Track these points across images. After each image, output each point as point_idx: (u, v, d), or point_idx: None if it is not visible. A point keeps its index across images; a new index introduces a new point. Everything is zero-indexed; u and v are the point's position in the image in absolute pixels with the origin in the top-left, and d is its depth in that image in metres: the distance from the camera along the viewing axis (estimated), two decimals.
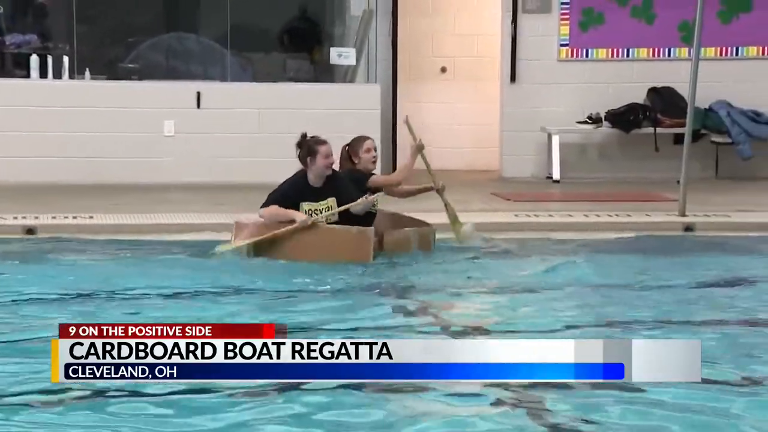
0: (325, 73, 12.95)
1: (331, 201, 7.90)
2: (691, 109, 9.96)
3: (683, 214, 9.71)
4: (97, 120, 12.06)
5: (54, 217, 9.43)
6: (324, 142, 7.91)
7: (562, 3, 12.86)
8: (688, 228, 9.45)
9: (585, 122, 12.81)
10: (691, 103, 9.95)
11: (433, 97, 13.72)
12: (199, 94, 12.20)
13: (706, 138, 12.74)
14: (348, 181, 7.99)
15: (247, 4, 12.81)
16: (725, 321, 6.14)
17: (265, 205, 7.92)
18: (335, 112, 12.18)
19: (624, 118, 12.74)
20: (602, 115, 12.78)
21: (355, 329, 5.83)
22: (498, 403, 4.63)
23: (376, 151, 8.25)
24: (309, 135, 7.99)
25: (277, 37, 13.33)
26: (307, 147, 7.89)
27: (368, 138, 8.27)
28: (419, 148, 8.32)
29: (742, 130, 12.65)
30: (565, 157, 12.69)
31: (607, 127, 12.80)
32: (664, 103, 12.76)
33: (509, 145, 13.00)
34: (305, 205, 7.87)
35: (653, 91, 12.86)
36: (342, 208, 7.85)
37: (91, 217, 9.47)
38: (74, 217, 9.46)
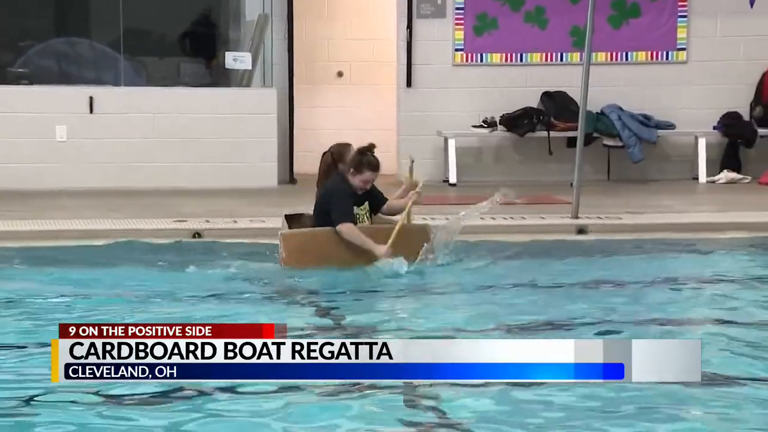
0: (221, 77, 12.87)
1: (366, 205, 7.94)
2: (583, 112, 10.11)
3: (576, 217, 9.85)
4: None
5: None
6: (375, 169, 7.82)
7: (457, 8, 12.97)
8: (581, 230, 9.59)
9: (480, 126, 12.94)
10: (583, 107, 10.10)
11: (330, 102, 13.73)
12: (91, 98, 12.04)
13: (598, 141, 12.95)
14: (374, 185, 7.94)
15: (140, 9, 12.66)
16: (608, 321, 6.25)
17: (339, 220, 7.68)
18: (231, 116, 12.12)
19: (518, 122, 12.89)
20: (497, 119, 12.92)
21: None
22: None
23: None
24: (373, 151, 7.86)
25: (171, 42, 13.21)
26: (358, 161, 7.80)
27: (350, 144, 8.06)
28: (417, 199, 8.10)
29: (633, 134, 12.88)
30: (461, 160, 12.79)
31: (502, 131, 12.94)
32: (557, 107, 12.95)
33: (406, 149, 13.04)
34: (354, 210, 7.83)
35: (546, 96, 13.04)
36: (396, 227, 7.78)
37: None
38: None
